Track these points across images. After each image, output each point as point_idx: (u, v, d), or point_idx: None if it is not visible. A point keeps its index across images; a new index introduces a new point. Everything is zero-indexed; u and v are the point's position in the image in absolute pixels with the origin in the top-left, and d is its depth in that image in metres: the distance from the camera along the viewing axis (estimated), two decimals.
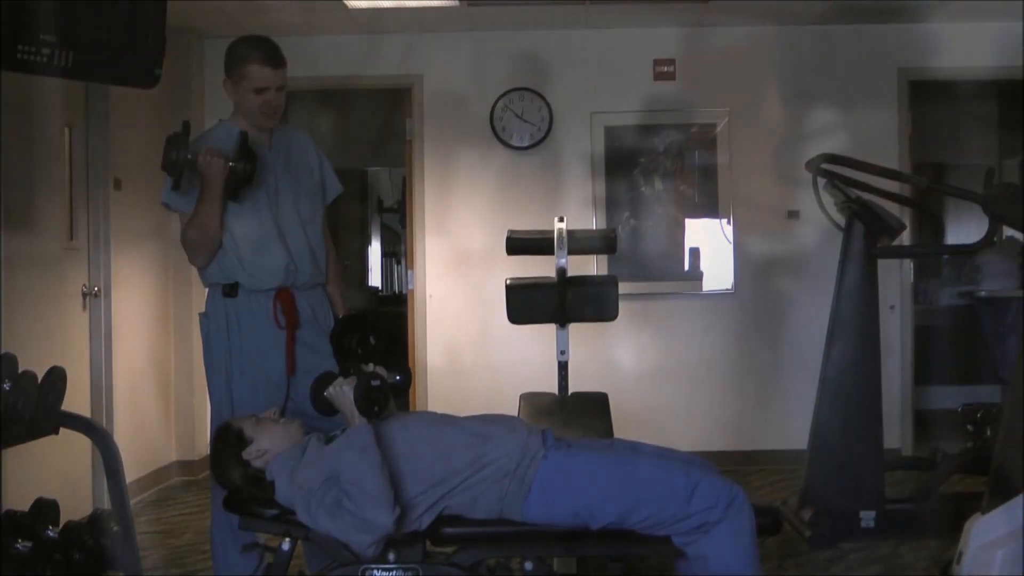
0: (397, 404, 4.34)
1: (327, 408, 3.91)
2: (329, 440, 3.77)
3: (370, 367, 4.02)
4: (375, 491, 3.49)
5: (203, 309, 4.64)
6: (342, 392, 3.79)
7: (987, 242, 6.17)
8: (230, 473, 3.87)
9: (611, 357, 8.23)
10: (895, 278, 8.26)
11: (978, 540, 3.82)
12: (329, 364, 4.49)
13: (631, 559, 3.92)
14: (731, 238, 8.36)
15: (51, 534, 4.19)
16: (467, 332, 8.41)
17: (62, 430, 4.51)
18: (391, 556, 3.67)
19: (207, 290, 4.63)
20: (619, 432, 5.00)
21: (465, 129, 8.45)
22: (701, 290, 8.43)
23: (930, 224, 8.68)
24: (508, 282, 6.04)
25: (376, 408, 3.74)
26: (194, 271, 4.74)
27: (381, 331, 4.50)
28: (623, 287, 6.21)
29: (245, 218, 4.50)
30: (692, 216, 8.41)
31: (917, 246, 8.49)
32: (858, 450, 6.06)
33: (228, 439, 3.87)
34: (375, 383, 3.76)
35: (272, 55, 4.48)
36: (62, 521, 4.35)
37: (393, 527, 3.51)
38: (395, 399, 4.26)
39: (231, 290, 4.51)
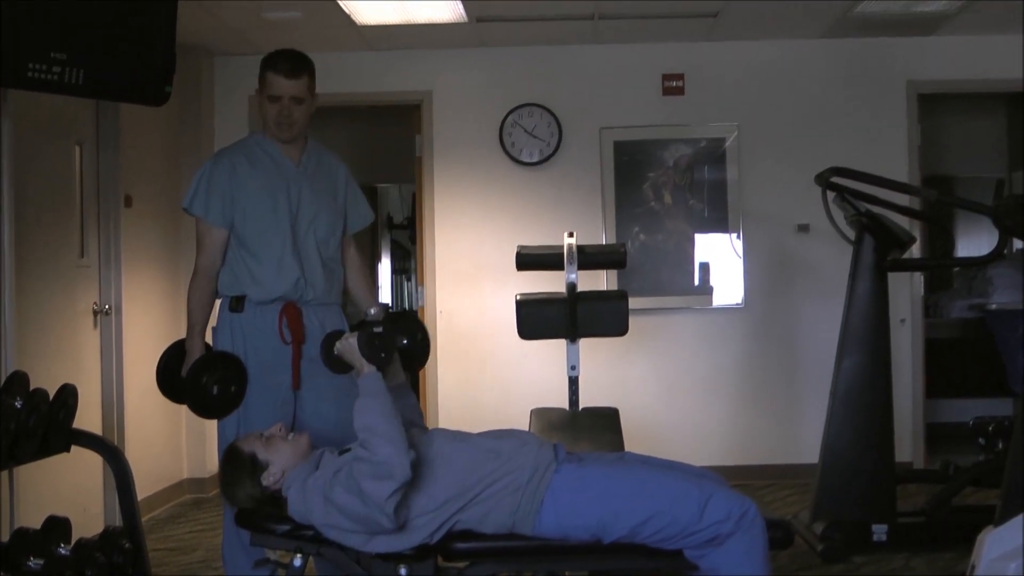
0: (407, 368, 4.36)
1: (339, 365, 3.96)
2: (343, 452, 3.78)
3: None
4: (388, 431, 3.54)
5: (214, 324, 4.65)
6: (348, 344, 3.83)
7: (997, 255, 6.16)
8: (241, 494, 3.85)
9: (621, 372, 8.23)
10: (905, 291, 8.25)
11: (991, 553, 3.81)
12: (341, 379, 4.51)
13: (643, 573, 3.91)
14: (741, 252, 8.36)
15: (63, 552, 4.20)
16: (478, 348, 8.41)
17: (73, 447, 4.53)
18: (402, 571, 3.66)
19: (218, 303, 4.64)
20: (630, 447, 5.01)
21: (474, 145, 8.46)
22: (711, 304, 8.42)
23: (940, 237, 8.68)
24: (518, 297, 6.05)
25: (383, 355, 3.79)
26: None
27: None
28: (633, 302, 6.22)
29: (262, 230, 4.52)
30: (702, 230, 8.40)
31: (927, 259, 8.48)
32: (870, 463, 6.05)
33: (237, 460, 3.84)
34: (377, 330, 3.82)
35: (290, 66, 4.50)
36: (74, 538, 4.35)
37: (410, 472, 3.51)
38: (407, 370, 4.30)
39: (238, 304, 4.52)
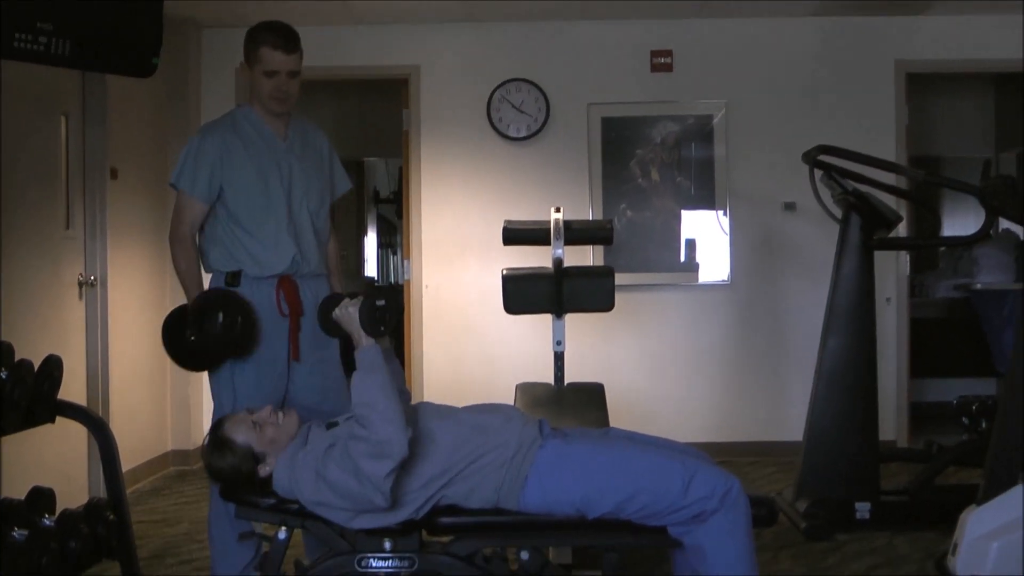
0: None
1: (335, 330, 3.94)
2: (330, 426, 3.77)
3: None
4: (387, 408, 3.51)
5: None
6: (348, 313, 3.79)
7: (984, 235, 6.17)
8: (231, 480, 3.82)
9: (607, 348, 8.24)
10: (891, 270, 8.27)
11: (973, 532, 3.84)
12: (330, 353, 4.52)
13: (627, 549, 3.92)
14: (727, 229, 8.36)
15: (47, 523, 4.20)
16: (463, 322, 8.41)
17: (58, 419, 4.52)
18: (387, 545, 3.67)
19: (209, 276, 4.62)
20: (615, 423, 5.01)
21: (462, 120, 8.44)
22: (697, 281, 8.43)
23: (927, 216, 8.69)
24: (505, 272, 6.04)
25: (382, 328, 3.77)
26: None
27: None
28: (619, 278, 6.22)
29: (257, 209, 4.51)
30: (688, 207, 8.40)
31: (914, 238, 8.50)
32: (854, 442, 6.07)
33: (230, 452, 3.77)
34: (379, 303, 3.79)
35: (285, 40, 4.49)
36: (58, 510, 4.36)
37: (408, 449, 3.50)
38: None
39: (234, 279, 4.51)
